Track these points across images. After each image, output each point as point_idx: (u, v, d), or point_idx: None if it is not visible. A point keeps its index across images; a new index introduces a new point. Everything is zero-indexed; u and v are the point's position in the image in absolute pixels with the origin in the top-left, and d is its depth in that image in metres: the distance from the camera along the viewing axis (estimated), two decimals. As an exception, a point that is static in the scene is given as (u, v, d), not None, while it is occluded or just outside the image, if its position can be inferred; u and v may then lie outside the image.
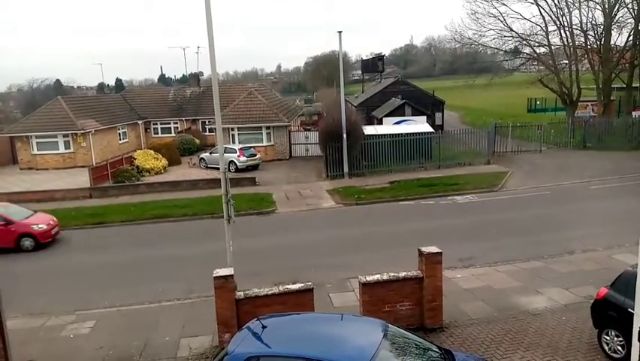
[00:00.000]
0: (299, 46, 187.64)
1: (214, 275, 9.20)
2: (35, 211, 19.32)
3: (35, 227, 17.82)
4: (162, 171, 31.45)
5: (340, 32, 27.01)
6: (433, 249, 9.75)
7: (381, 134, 29.07)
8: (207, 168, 31.82)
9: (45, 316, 11.98)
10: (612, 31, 35.03)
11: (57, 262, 16.57)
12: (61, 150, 35.30)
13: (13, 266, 16.24)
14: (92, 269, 15.46)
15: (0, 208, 18.55)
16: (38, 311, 12.25)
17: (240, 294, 9.27)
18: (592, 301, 9.05)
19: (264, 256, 15.66)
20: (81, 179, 28.45)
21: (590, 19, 35.25)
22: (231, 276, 9.16)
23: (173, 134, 41.97)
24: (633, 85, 36.61)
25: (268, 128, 35.39)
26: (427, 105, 40.99)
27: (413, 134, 29.09)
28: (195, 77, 49.83)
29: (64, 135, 35.11)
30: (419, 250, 9.90)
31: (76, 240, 18.94)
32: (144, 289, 13.40)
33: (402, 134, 29.09)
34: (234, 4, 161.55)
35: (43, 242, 17.85)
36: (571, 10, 35.01)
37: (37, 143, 35.36)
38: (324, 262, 14.64)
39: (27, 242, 17.63)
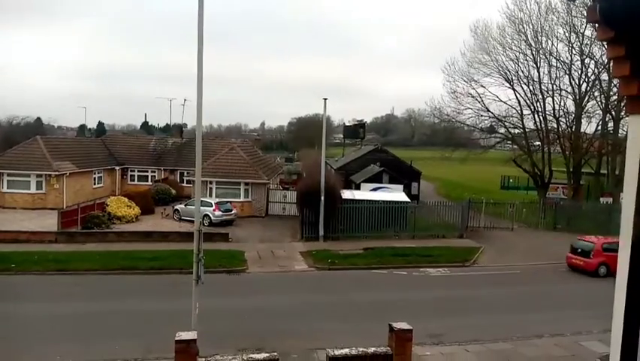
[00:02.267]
0: (284, 105, 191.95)
1: (176, 338, 8.78)
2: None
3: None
4: (134, 220, 30.80)
5: (325, 100, 27.82)
6: (404, 325, 9.57)
7: (359, 200, 29.32)
8: (181, 220, 31.29)
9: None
10: (582, 120, 36.99)
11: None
12: (33, 190, 34.46)
13: None
14: (47, 319, 14.67)
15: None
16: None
17: None
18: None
19: (230, 318, 15.14)
20: (49, 221, 27.62)
21: (562, 107, 37.25)
22: (194, 341, 8.76)
23: (149, 183, 41.54)
24: (601, 172, 38.16)
25: (247, 184, 35.38)
26: (404, 174, 41.80)
27: (390, 202, 29.41)
28: (179, 128, 50.27)
29: (38, 175, 34.41)
30: (390, 325, 9.70)
31: (35, 287, 18.09)
32: (100, 345, 12.73)
33: (379, 201, 29.38)
34: (225, 59, 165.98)
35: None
36: (545, 97, 37.00)
37: (8, 181, 34.51)
38: (292, 328, 14.23)
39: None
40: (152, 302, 16.71)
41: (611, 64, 3.31)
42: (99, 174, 40.15)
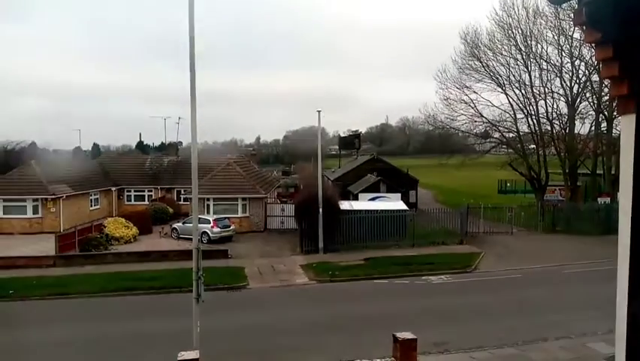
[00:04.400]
0: (278, 118, 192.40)
1: (178, 358, 8.70)
2: None
3: None
4: (132, 240, 30.63)
5: (320, 112, 27.88)
6: (408, 335, 9.49)
7: (357, 210, 29.29)
8: (179, 238, 31.15)
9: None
10: (576, 121, 37.23)
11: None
12: (29, 214, 34.32)
13: None
14: (48, 344, 14.50)
15: None
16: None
17: (205, 380, 8.75)
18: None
19: (232, 336, 15.00)
20: (47, 246, 27.43)
21: (555, 110, 37.50)
22: (197, 360, 8.69)
23: (146, 202, 41.43)
24: (597, 172, 38.30)
25: (244, 199, 35.32)
26: (401, 183, 41.85)
27: (388, 211, 29.38)
28: (174, 147, 50.30)
29: (34, 200, 34.30)
30: (394, 335, 9.62)
31: (34, 312, 17.92)
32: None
33: (377, 210, 29.34)
34: (218, 75, 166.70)
35: None
36: (537, 100, 37.25)
37: (4, 206, 34.36)
38: (295, 343, 14.10)
39: None
40: (153, 323, 16.55)
41: (601, 65, 3.33)
42: (95, 196, 40.03)
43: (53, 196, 34.09)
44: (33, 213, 34.40)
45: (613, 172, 35.33)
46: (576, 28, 32.49)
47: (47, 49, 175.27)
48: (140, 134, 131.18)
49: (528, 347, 13.51)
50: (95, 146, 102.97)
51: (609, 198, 33.08)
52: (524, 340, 13.98)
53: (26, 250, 27.75)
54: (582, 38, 32.74)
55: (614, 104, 30.44)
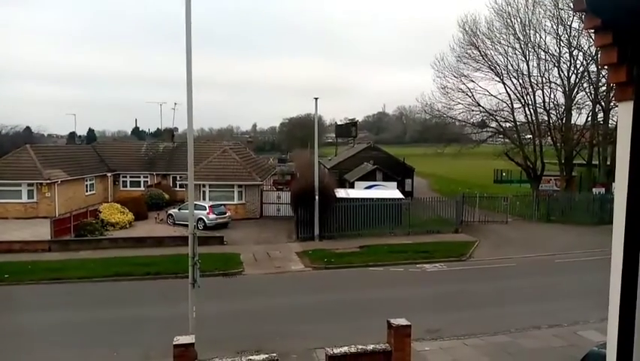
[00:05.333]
0: (275, 106, 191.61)
1: (174, 343, 8.74)
2: None
3: None
4: (128, 226, 30.60)
5: (316, 99, 27.80)
6: (403, 321, 9.57)
7: (353, 198, 29.33)
8: (175, 224, 31.14)
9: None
10: (572, 112, 37.21)
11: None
12: (24, 199, 34.18)
13: None
14: (43, 329, 14.55)
15: None
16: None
17: (200, 364, 8.80)
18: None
19: (228, 321, 15.09)
20: (42, 230, 27.39)
21: (552, 100, 37.46)
22: (192, 344, 8.74)
23: (142, 188, 41.30)
24: (593, 162, 38.43)
25: (240, 186, 35.28)
26: (397, 171, 41.85)
27: (384, 199, 29.44)
28: (170, 133, 50.06)
29: (29, 184, 34.13)
30: (388, 322, 9.70)
31: (29, 296, 17.94)
32: (98, 353, 12.65)
33: (373, 199, 29.39)
34: (214, 61, 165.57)
35: None
36: (534, 90, 37.21)
37: (-2, 191, 34.23)
38: (291, 329, 14.20)
39: None
40: (148, 308, 16.62)
41: (599, 53, 3.31)
42: (91, 181, 39.88)
43: (48, 181, 33.94)
44: (28, 198, 34.27)
45: (608, 163, 35.44)
46: (575, 17, 32.43)
47: (43, 33, 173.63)
48: (136, 120, 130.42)
49: (520, 335, 13.67)
50: (91, 131, 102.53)
51: (604, 189, 33.21)
52: (517, 327, 14.13)
53: (21, 234, 27.71)
54: (581, 28, 32.68)
55: (612, 94, 30.46)
